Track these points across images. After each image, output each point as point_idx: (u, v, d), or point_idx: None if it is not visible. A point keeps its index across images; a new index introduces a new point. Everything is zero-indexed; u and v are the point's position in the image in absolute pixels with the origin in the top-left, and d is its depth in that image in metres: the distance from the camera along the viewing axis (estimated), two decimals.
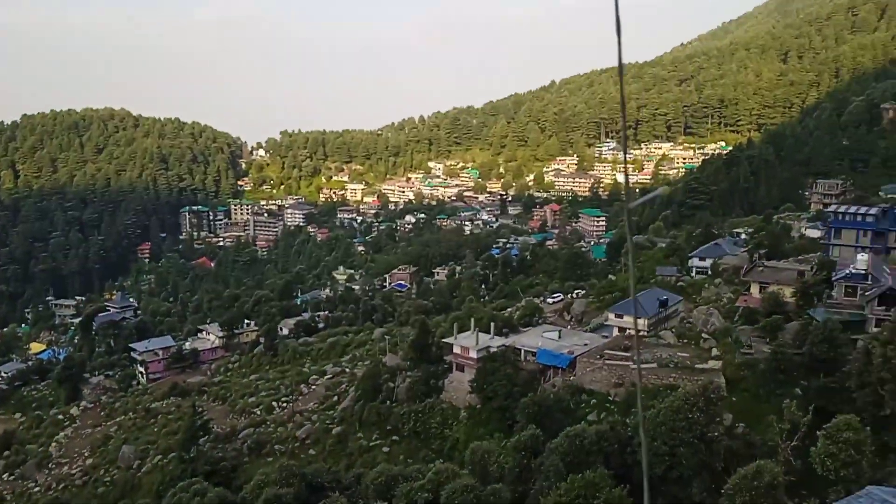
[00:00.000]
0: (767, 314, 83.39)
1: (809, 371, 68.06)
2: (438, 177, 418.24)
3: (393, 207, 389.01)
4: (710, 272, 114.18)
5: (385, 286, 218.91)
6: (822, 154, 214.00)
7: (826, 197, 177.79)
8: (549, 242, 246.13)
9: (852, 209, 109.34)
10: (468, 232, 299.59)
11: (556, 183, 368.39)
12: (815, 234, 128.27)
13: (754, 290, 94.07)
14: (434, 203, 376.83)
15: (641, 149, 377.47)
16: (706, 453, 54.96)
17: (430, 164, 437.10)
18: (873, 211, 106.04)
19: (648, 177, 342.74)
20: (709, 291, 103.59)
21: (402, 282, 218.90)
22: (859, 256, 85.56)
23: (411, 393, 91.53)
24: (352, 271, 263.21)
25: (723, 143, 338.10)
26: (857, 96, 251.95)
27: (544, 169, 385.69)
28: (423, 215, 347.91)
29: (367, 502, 60.54)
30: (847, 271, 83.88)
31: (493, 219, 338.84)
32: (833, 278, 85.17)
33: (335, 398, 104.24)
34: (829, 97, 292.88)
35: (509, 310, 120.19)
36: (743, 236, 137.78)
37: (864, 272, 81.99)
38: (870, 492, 38.62)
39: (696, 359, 75.79)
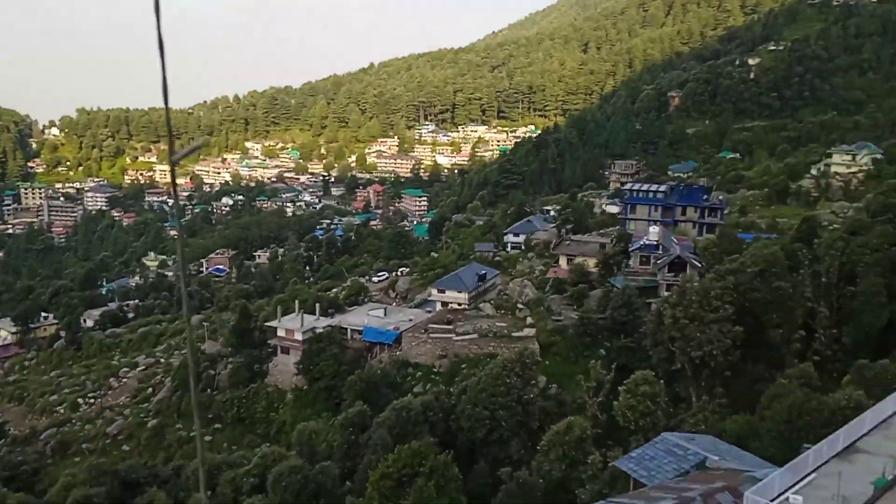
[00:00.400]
0: (574, 284, 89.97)
1: (612, 333, 74.53)
2: (256, 157, 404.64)
3: (208, 189, 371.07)
4: (523, 247, 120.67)
5: (202, 271, 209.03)
6: (618, 137, 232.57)
7: (623, 176, 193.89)
8: (372, 222, 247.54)
9: (644, 187, 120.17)
10: (290, 213, 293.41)
11: (379, 164, 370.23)
12: (614, 209, 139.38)
13: (563, 262, 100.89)
14: (253, 184, 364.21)
15: (458, 132, 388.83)
16: (523, 414, 58.55)
17: (248, 144, 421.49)
18: (662, 188, 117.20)
19: (466, 158, 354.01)
20: (523, 265, 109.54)
21: (221, 266, 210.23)
22: (651, 229, 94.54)
23: (234, 379, 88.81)
24: (164, 257, 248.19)
25: (532, 127, 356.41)
26: (647, 85, 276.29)
27: (366, 150, 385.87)
28: (241, 197, 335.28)
29: (189, 494, 58.18)
30: (641, 242, 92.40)
31: (316, 200, 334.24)
32: (630, 249, 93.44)
33: (150, 390, 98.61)
34: (624, 86, 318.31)
35: (335, 290, 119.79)
36: (552, 213, 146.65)
37: (655, 243, 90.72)
38: (665, 437, 43.24)
39: (512, 327, 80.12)
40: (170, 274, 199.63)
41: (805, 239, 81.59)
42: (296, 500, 51.85)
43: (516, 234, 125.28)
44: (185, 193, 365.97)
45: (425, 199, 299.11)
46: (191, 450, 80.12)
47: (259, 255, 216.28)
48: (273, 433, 79.15)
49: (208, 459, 63.91)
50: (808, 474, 24.99)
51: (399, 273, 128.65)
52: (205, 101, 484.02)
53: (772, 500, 23.49)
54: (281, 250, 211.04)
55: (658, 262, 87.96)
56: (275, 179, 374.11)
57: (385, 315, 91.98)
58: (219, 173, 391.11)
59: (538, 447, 51.51)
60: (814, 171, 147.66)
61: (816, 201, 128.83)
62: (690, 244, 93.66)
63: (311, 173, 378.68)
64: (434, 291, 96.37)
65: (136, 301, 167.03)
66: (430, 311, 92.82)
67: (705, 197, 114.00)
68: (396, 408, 59.39)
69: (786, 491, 23.98)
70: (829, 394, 49.62)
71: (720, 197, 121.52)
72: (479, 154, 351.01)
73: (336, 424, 64.15)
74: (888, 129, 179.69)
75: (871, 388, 49.76)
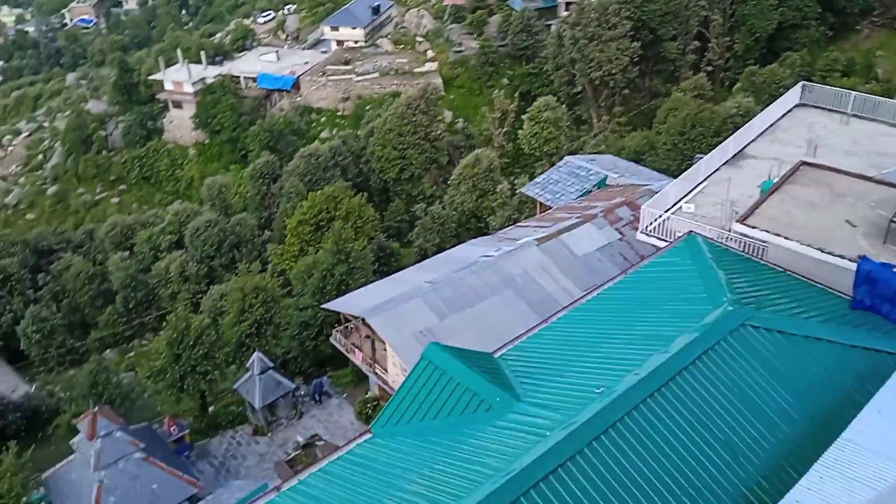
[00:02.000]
0: (473, 10, 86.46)
1: (513, 60, 73.94)
2: None
3: None
4: None
5: (66, 24, 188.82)
6: None
7: None
8: None
9: None
10: None
11: None
12: None
13: None
14: None
15: None
16: (432, 151, 59.45)
17: None
18: None
19: None
20: None
21: (87, 16, 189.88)
22: None
23: (129, 139, 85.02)
24: (20, 10, 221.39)
25: None
26: None
27: None
28: None
29: (106, 255, 58.29)
30: None
31: None
32: None
33: (40, 157, 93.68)
34: None
35: (219, 35, 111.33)
36: None
37: None
38: (568, 161, 44.98)
39: (414, 63, 78.03)
40: (30, 29, 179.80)
41: None
42: (216, 251, 52.93)
43: None
44: None
45: None
46: (99, 212, 78.83)
47: (126, 1, 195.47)
48: (182, 190, 78.22)
49: (119, 220, 63.29)
50: (700, 183, 26.59)
51: (286, 11, 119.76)
52: None
53: (666, 210, 25.23)
54: None
55: None
56: None
57: (278, 59, 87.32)
58: None
59: (449, 181, 53.10)
60: None
61: None
62: None
63: None
64: (327, 30, 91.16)
65: (1, 62, 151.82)
66: (325, 52, 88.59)
67: None
68: (305, 155, 58.91)
69: (679, 200, 25.67)
70: (721, 103, 52.15)
71: None
72: None
73: (245, 176, 63.66)
74: None
75: (760, 94, 52.42)
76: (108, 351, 51.00)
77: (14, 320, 51.53)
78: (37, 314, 50.15)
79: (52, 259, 58.74)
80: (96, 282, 55.00)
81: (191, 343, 31.80)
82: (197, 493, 26.16)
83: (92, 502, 24.80)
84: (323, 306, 32.84)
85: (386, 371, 30.20)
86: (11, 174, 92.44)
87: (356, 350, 32.25)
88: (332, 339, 33.91)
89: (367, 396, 32.37)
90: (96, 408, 28.51)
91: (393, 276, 34.99)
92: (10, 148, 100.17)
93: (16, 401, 39.37)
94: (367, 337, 30.98)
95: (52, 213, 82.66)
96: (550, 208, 38.95)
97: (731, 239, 21.71)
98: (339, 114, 76.03)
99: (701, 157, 29.82)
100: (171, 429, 31.07)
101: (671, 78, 69.16)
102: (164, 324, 35.22)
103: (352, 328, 32.81)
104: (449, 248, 40.32)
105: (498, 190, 47.88)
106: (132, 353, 50.54)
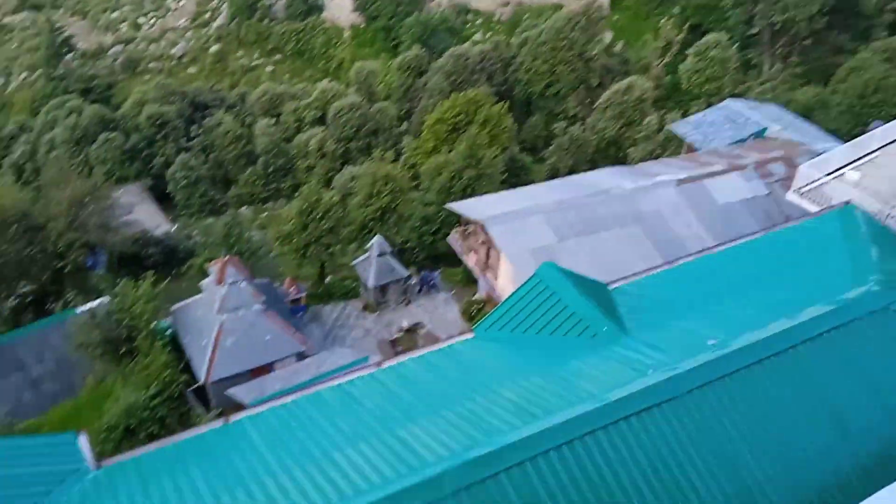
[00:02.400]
0: None
1: None
2: None
3: None
4: None
5: None
6: None
7: None
8: None
9: None
10: None
11: None
12: None
13: None
14: None
15: None
16: (584, 71, 57.26)
17: None
18: None
19: None
20: None
21: None
22: None
23: (290, 11, 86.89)
24: None
25: None
26: None
27: None
28: None
29: (254, 119, 60.94)
30: None
31: None
32: None
33: (208, 15, 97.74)
34: None
35: None
36: None
37: None
38: (727, 104, 42.34)
39: None
40: None
41: None
42: (355, 134, 54.28)
43: None
44: None
45: None
46: (253, 77, 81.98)
47: None
48: (332, 69, 79.77)
49: (271, 88, 65.60)
50: (872, 152, 24.50)
51: None
52: None
53: (827, 174, 23.58)
54: None
55: None
56: None
57: None
58: None
59: (595, 105, 51.36)
60: None
61: None
62: None
63: None
64: None
65: None
66: None
67: None
68: (454, 54, 58.32)
69: (844, 167, 23.86)
70: None
71: None
72: None
73: (394, 66, 64.02)
74: None
75: None
76: (243, 207, 54.11)
77: (165, 164, 55.56)
78: (186, 162, 53.84)
79: (205, 114, 62.05)
80: (242, 142, 57.90)
81: (319, 216, 33.17)
82: (305, 351, 28.03)
83: (212, 339, 27.06)
84: (446, 205, 33.23)
85: (496, 279, 30.53)
86: (180, 27, 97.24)
87: (472, 252, 32.67)
88: (449, 239, 34.44)
89: (474, 298, 32.97)
90: (227, 257, 30.61)
91: (520, 189, 34.77)
92: (181, 2, 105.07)
93: (157, 236, 42.86)
94: (483, 243, 31.25)
95: (210, 71, 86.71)
96: (698, 151, 37.12)
97: (894, 218, 20.10)
98: (496, 18, 74.30)
99: (879, 125, 27.45)
100: (291, 289, 33.00)
101: (861, 35, 62.63)
102: (298, 193, 36.71)
103: (470, 232, 33.13)
104: (582, 172, 39.46)
105: (645, 122, 45.91)
106: (265, 214, 53.40)
